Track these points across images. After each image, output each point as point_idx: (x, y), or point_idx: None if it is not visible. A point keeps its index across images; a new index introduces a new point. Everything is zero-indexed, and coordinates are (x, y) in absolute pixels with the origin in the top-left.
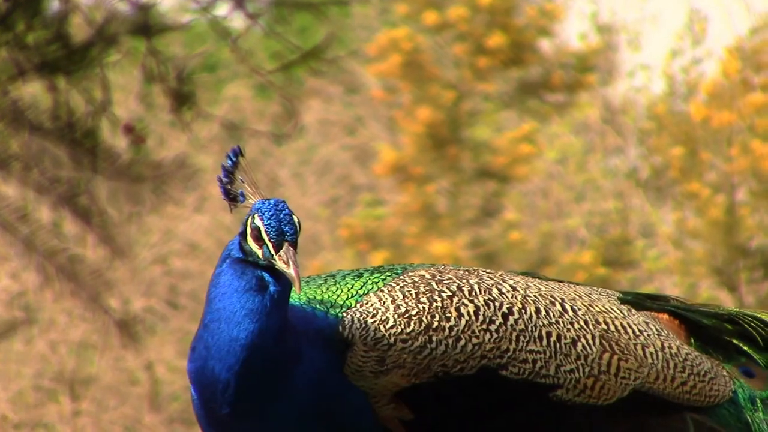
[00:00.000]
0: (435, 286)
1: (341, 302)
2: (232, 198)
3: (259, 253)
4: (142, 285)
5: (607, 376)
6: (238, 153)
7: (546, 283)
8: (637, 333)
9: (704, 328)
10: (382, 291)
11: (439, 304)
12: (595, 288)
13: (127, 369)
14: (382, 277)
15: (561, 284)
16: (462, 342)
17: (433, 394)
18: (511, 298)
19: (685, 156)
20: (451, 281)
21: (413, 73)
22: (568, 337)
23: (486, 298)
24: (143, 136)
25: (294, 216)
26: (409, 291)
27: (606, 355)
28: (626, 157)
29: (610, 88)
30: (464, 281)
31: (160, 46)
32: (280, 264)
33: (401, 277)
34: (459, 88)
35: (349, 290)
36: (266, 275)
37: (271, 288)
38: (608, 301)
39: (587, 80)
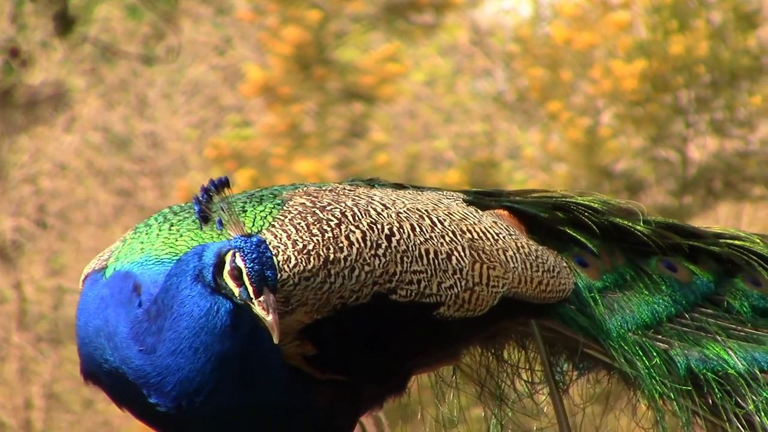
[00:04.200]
0: (321, 215)
1: None
2: (205, 218)
3: (236, 291)
4: (11, 205)
5: (480, 287)
6: (224, 183)
7: (402, 193)
8: (496, 237)
9: (540, 220)
10: (273, 227)
11: (330, 234)
12: (442, 191)
13: None
14: (267, 209)
15: (409, 191)
16: (356, 271)
17: (333, 328)
18: (387, 217)
19: (546, 78)
20: (332, 207)
21: None
22: (443, 252)
23: (368, 221)
24: (27, 60)
25: (274, 258)
26: (299, 224)
27: (477, 266)
28: (494, 80)
29: (479, 10)
30: (343, 204)
31: None
32: (259, 310)
33: (284, 208)
34: (326, 9)
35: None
36: (239, 311)
37: (244, 329)
38: (458, 205)
39: (455, 0)
